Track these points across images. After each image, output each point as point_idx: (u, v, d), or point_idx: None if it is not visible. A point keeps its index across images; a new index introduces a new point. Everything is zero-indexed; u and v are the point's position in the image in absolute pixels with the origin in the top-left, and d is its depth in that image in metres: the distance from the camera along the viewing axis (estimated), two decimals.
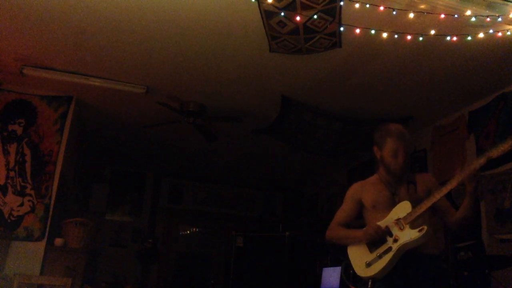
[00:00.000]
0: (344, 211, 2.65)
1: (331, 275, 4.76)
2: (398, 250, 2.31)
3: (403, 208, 2.38)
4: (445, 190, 2.27)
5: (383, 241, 2.37)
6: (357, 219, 2.70)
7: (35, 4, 3.18)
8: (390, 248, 2.33)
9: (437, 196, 2.28)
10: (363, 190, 2.58)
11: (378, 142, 2.50)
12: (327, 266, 5.13)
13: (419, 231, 2.28)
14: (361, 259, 2.44)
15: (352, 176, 6.40)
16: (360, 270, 2.44)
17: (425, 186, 2.49)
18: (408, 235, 2.30)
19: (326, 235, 2.66)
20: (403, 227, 2.33)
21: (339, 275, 4.26)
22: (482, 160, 2.15)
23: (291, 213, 8.30)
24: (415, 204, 2.35)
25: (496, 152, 2.10)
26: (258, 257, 5.25)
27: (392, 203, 2.44)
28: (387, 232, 2.38)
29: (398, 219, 2.36)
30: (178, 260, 8.00)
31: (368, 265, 2.39)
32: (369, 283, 2.47)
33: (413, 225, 2.32)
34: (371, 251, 2.41)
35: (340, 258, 3.14)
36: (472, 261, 3.64)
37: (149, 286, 7.25)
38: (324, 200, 7.32)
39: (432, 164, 4.79)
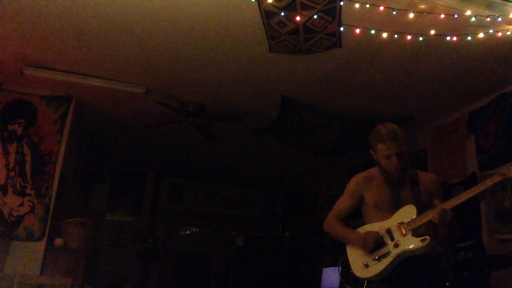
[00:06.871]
0: (344, 204, 2.63)
1: (331, 275, 4.76)
2: (398, 256, 2.30)
3: (408, 212, 2.36)
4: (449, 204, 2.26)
5: (383, 243, 2.36)
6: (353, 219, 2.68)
7: (35, 4, 3.18)
8: (389, 253, 2.32)
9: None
10: (366, 186, 2.55)
11: (372, 147, 2.50)
12: (327, 266, 5.14)
13: (422, 241, 2.26)
14: (359, 259, 2.43)
15: (352, 176, 6.35)
16: (358, 270, 2.43)
17: (427, 189, 2.46)
18: (409, 243, 2.29)
19: (323, 226, 2.67)
20: (406, 232, 2.31)
21: (339, 275, 4.26)
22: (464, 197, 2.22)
23: (291, 213, 8.30)
24: (419, 209, 2.33)
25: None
26: (258, 257, 5.24)
27: (394, 204, 2.43)
28: (389, 234, 2.36)
29: (401, 223, 2.34)
30: (178, 260, 8.00)
31: (366, 266, 2.38)
32: (365, 284, 2.46)
33: (415, 233, 2.30)
34: (370, 251, 2.40)
35: (338, 257, 3.13)
36: (472, 261, 3.63)
37: (149, 286, 7.25)
38: (324, 200, 7.31)
39: (432, 164, 4.79)
